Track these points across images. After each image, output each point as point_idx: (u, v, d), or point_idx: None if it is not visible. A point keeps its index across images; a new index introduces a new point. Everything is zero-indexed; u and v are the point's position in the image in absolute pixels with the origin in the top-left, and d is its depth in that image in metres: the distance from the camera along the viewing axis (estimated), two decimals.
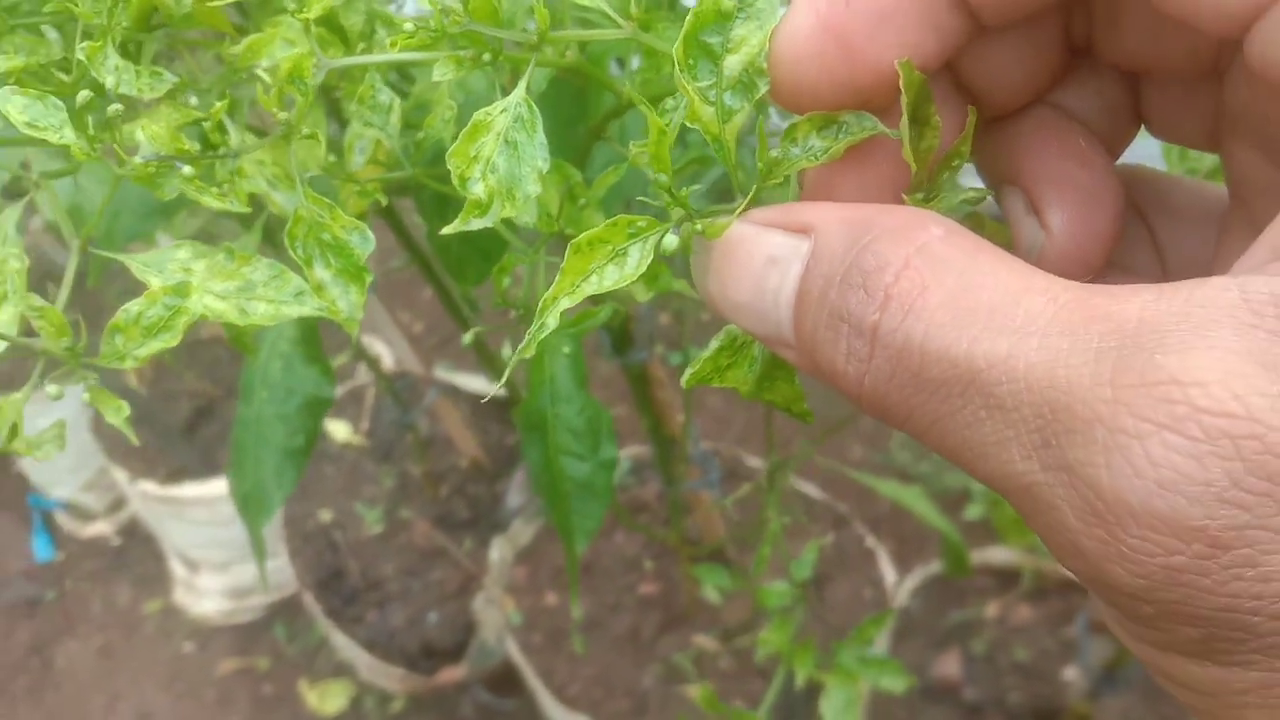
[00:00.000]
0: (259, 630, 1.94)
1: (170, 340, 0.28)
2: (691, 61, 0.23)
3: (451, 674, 1.48)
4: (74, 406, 1.91)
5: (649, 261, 0.23)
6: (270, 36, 0.38)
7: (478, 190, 0.29)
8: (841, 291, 0.20)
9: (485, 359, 1.01)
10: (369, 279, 0.32)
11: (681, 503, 1.26)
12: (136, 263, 0.31)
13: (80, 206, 1.26)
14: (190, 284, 0.29)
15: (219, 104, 0.31)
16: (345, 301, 0.32)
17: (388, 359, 1.69)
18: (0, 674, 2.02)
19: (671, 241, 0.23)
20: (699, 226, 0.23)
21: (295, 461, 0.54)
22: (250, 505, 0.55)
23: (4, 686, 2.00)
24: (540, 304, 0.24)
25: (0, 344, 0.29)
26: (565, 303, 0.24)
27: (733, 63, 0.23)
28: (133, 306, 0.29)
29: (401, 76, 0.54)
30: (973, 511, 1.70)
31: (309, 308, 0.31)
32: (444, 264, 0.60)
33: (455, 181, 0.29)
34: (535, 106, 0.29)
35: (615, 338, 1.00)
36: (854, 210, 0.21)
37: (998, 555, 1.36)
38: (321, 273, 0.31)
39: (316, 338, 0.54)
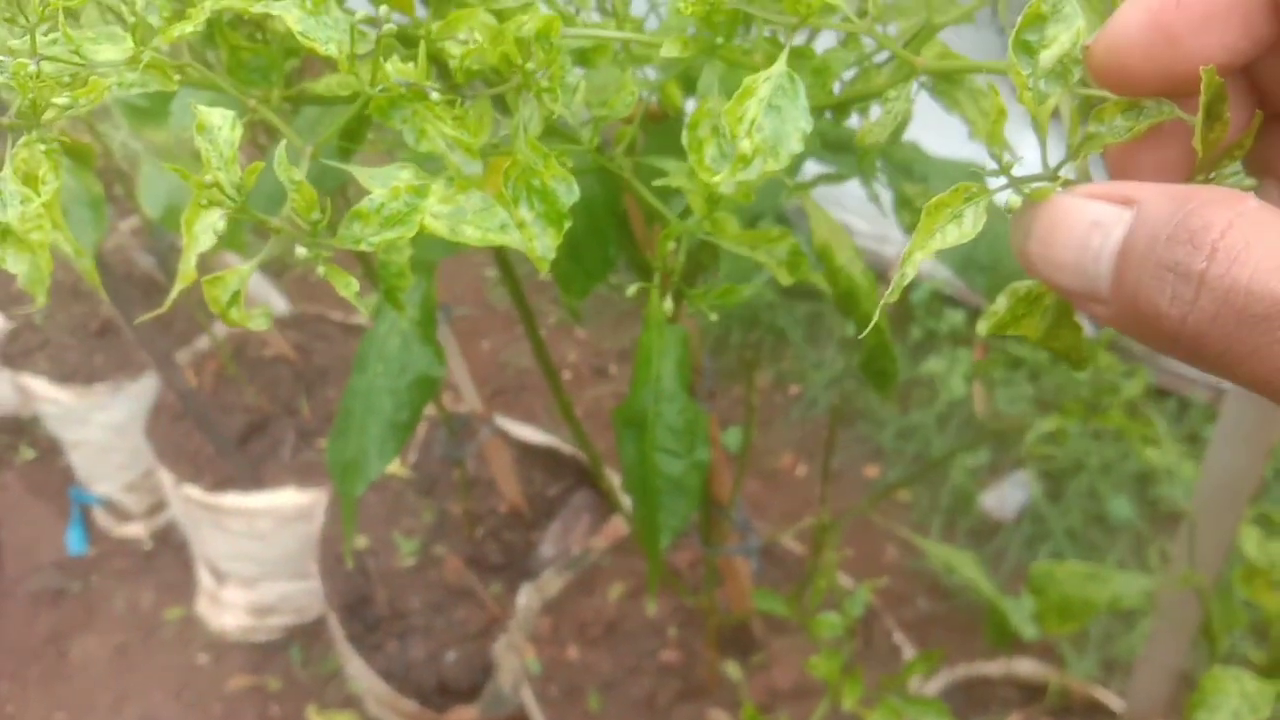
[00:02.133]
0: (275, 651, 1.95)
1: (406, 232, 0.32)
2: (1018, 56, 0.28)
3: (462, 714, 1.48)
4: (132, 407, 1.96)
5: (982, 222, 0.27)
6: (463, 16, 0.43)
7: (744, 146, 0.32)
8: (1169, 246, 0.24)
9: (563, 408, 1.04)
10: (567, 225, 0.35)
11: (716, 571, 1.27)
12: (363, 174, 0.34)
13: (178, 205, 1.32)
14: (429, 186, 0.32)
15: (468, 48, 0.35)
16: (542, 242, 0.35)
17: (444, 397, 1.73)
18: (16, 659, 2.04)
19: (1014, 199, 0.28)
20: (1026, 192, 0.27)
21: (398, 435, 0.57)
22: (349, 473, 0.58)
23: (18, 672, 2.02)
24: (903, 257, 0.28)
25: (219, 226, 0.33)
26: (919, 256, 0.29)
27: (1046, 57, 0.28)
28: (376, 197, 0.32)
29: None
30: None
31: (512, 239, 0.34)
32: (555, 275, 0.64)
33: (729, 137, 0.32)
34: (797, 77, 0.32)
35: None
36: (1174, 187, 0.25)
37: (1024, 667, 1.35)
38: (525, 213, 0.35)
39: (434, 321, 0.57)
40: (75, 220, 1.29)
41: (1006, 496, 1.87)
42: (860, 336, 0.31)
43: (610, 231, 0.69)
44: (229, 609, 1.95)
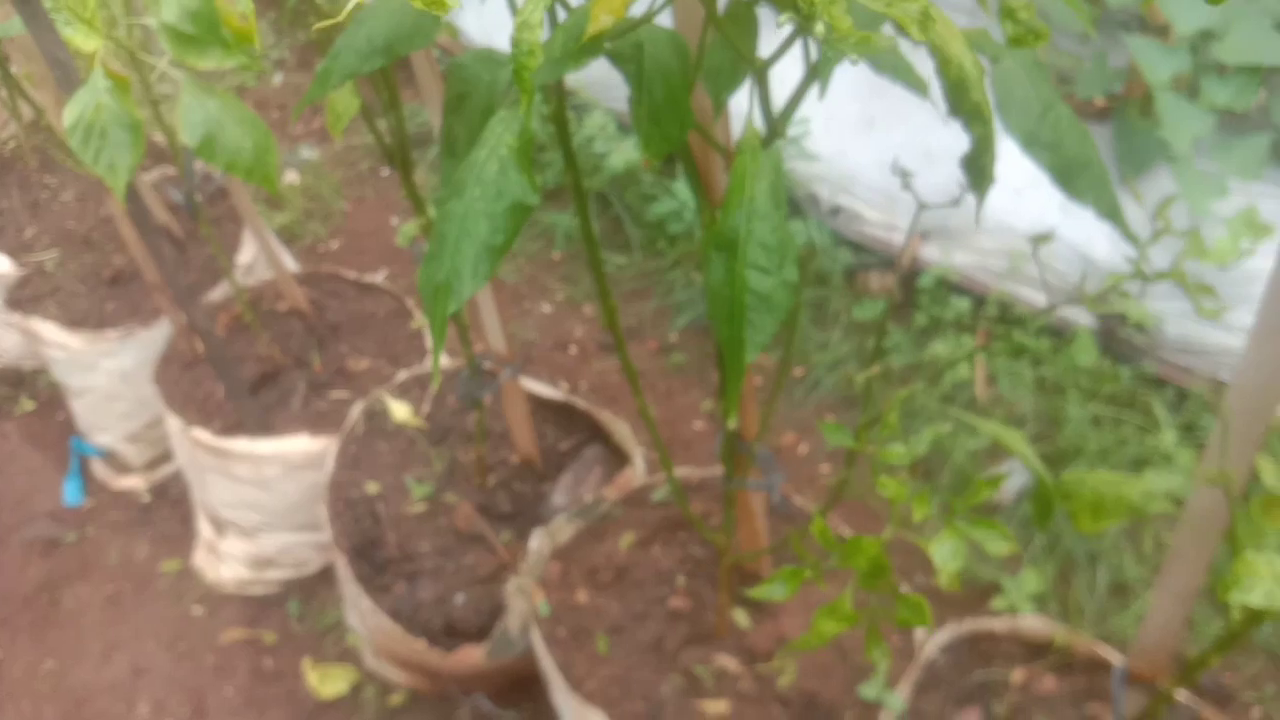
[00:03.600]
0: (272, 605, 1.95)
1: None
2: None
3: (471, 654, 1.49)
4: (141, 355, 1.96)
5: None
6: None
7: None
8: None
9: (612, 324, 1.06)
10: None
11: (734, 508, 1.29)
12: None
13: (214, 134, 1.33)
14: None
15: None
16: None
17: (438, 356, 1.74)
18: (7, 606, 2.03)
19: None
20: None
21: (492, 258, 0.59)
22: (440, 294, 0.60)
23: (9, 618, 2.01)
24: None
25: None
26: None
27: None
28: None
29: None
30: (999, 604, 1.72)
31: None
32: (638, 132, 0.66)
33: None
34: None
35: None
36: None
37: (1029, 624, 1.37)
38: None
39: (530, 151, 0.60)
40: (115, 142, 1.30)
41: (1006, 479, 1.90)
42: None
43: (686, 103, 0.72)
44: (227, 560, 1.95)
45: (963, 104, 0.57)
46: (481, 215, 0.59)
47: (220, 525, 1.93)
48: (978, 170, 0.62)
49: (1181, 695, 1.22)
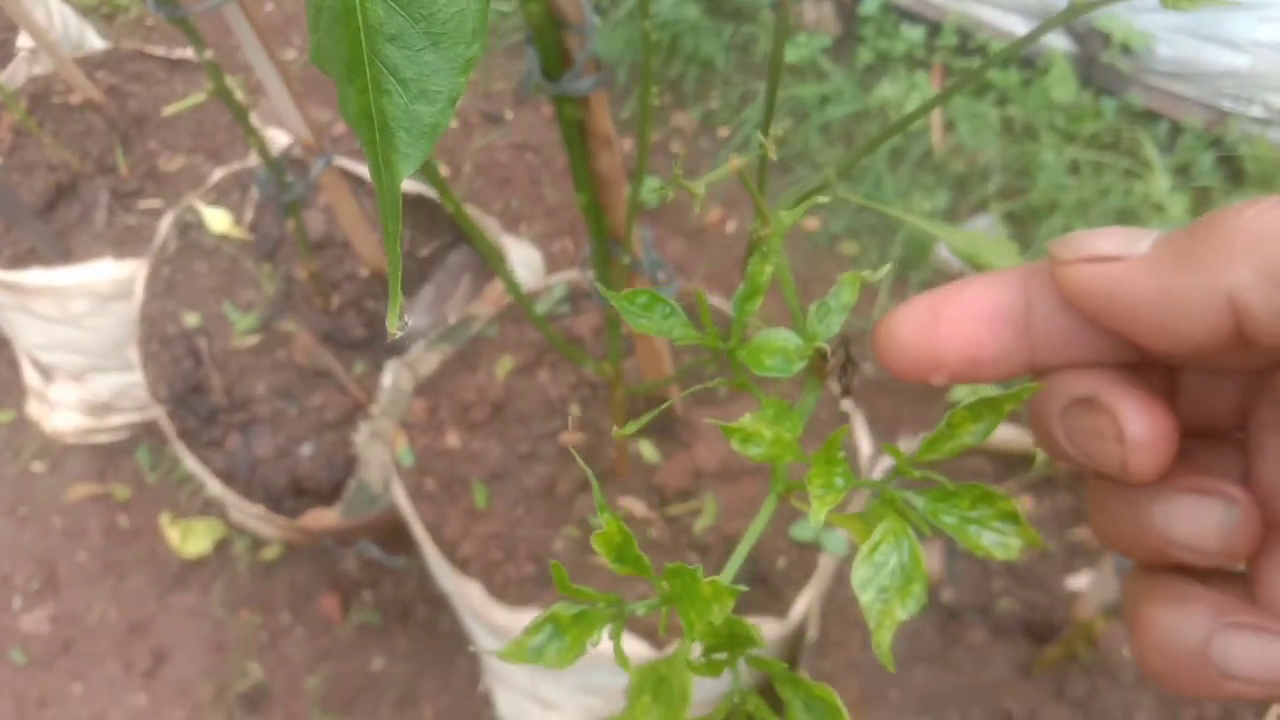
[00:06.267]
0: (120, 454, 1.68)
1: None
2: None
3: (320, 518, 1.22)
4: None
5: None
6: None
7: None
8: None
9: None
10: None
11: (623, 334, 1.00)
12: None
13: None
14: None
15: None
16: None
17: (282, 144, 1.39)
18: None
19: None
20: None
21: None
22: None
23: None
24: None
25: None
26: None
27: None
28: None
29: None
30: (960, 390, 1.46)
31: None
32: None
33: None
34: None
35: (545, 52, 0.72)
36: None
37: (1000, 434, 1.11)
38: None
39: None
40: None
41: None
42: None
43: None
44: (60, 409, 1.65)
45: None
46: None
47: (45, 370, 1.63)
48: None
49: None
